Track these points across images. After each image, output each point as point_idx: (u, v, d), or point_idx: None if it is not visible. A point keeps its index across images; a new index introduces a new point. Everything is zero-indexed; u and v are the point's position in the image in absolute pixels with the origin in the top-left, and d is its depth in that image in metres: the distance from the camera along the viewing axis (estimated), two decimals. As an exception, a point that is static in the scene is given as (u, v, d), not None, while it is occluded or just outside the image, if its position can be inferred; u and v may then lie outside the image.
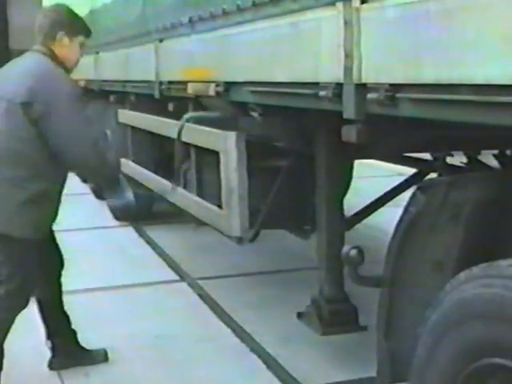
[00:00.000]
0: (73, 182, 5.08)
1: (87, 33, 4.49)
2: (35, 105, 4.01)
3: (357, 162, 6.17)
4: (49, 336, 4.64)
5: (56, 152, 4.10)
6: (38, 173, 4.12)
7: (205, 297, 6.00)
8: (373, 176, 9.01)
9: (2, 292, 4.18)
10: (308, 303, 4.55)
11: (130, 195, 4.88)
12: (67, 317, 4.64)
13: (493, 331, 2.24)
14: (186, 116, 5.13)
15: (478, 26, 2.26)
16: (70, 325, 4.65)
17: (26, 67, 4.25)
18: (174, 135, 5.47)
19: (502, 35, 2.17)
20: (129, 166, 7.73)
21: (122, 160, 7.90)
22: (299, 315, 4.63)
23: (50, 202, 4.26)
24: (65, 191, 4.35)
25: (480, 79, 2.27)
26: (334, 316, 4.40)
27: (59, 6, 4.57)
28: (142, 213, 8.41)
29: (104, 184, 4.34)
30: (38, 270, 4.29)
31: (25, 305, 4.21)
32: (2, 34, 18.56)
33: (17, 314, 4.22)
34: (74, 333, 4.67)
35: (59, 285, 4.60)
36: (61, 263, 4.60)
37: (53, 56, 4.26)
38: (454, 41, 2.38)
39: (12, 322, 4.22)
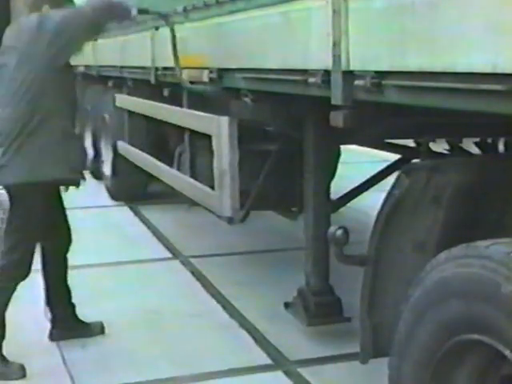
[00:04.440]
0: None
1: (71, 5, 4.55)
2: (42, 32, 4.11)
3: (343, 148, 6.17)
4: (50, 308, 4.64)
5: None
6: (54, 111, 4.16)
7: (196, 274, 5.99)
8: (358, 162, 9.00)
9: (5, 262, 4.20)
10: (295, 281, 4.55)
11: None
12: (69, 291, 4.66)
13: (471, 309, 2.24)
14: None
15: (461, 16, 2.26)
16: (70, 298, 4.67)
17: (18, 25, 4.36)
18: (170, 120, 5.47)
19: (484, 25, 2.16)
20: (125, 148, 7.72)
21: (119, 142, 7.89)
22: (286, 305, 4.63)
23: (72, 139, 4.33)
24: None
25: (462, 67, 2.27)
26: (320, 307, 4.41)
27: None
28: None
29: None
30: (38, 245, 4.34)
31: (25, 275, 4.22)
32: (4, 19, 18.41)
33: (17, 284, 4.23)
34: (73, 306, 4.68)
35: (65, 260, 4.61)
36: (69, 239, 4.61)
37: None
38: (437, 31, 2.37)
39: (13, 291, 4.23)
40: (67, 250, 4.61)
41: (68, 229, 4.60)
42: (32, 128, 4.10)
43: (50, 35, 4.11)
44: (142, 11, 4.68)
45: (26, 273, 4.22)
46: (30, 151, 4.11)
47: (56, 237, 4.53)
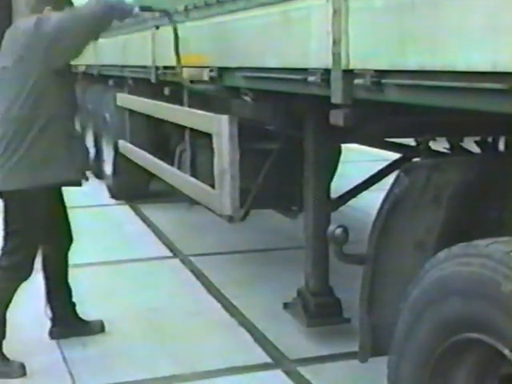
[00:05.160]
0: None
1: (72, 7, 4.52)
2: (39, 33, 4.09)
3: (343, 147, 6.16)
4: (50, 307, 4.64)
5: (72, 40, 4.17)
6: (56, 114, 4.16)
7: (196, 273, 5.99)
8: (358, 161, 8.99)
9: (7, 263, 4.19)
10: (295, 280, 4.54)
11: None
12: (70, 290, 4.66)
13: (470, 307, 2.23)
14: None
15: (461, 14, 2.25)
16: (71, 297, 4.67)
17: (17, 27, 4.34)
18: (171, 118, 5.46)
19: (484, 24, 2.15)
20: (126, 147, 7.71)
21: (120, 141, 7.88)
22: (286, 306, 4.63)
23: (74, 140, 4.33)
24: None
25: (462, 66, 2.26)
26: (319, 308, 4.40)
27: None
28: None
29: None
30: (40, 246, 4.33)
31: (27, 276, 4.21)
32: (5, 19, 18.41)
33: (19, 285, 4.23)
34: (73, 305, 4.68)
35: (66, 259, 4.61)
36: (70, 239, 4.61)
37: None
38: (437, 29, 2.37)
39: (14, 291, 4.23)
40: (68, 249, 4.61)
41: (69, 228, 4.60)
42: (36, 132, 4.10)
43: (48, 38, 4.09)
44: (144, 8, 4.66)
45: (28, 274, 4.22)
46: (36, 155, 4.11)
47: (57, 236, 4.53)
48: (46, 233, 4.33)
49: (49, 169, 4.13)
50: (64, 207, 4.58)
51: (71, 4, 4.55)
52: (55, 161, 4.15)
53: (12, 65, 4.16)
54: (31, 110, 4.10)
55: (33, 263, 4.25)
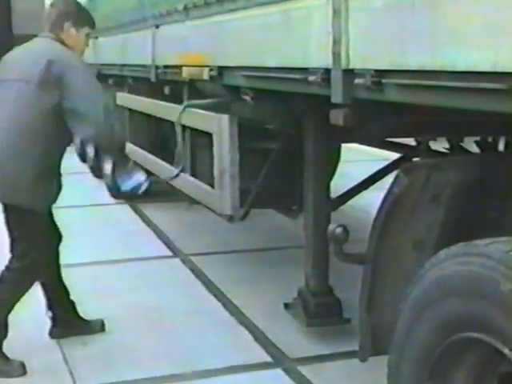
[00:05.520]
0: (71, 162, 5.06)
1: (92, 25, 4.53)
2: (52, 78, 4.03)
3: (343, 147, 6.16)
4: (50, 307, 4.64)
5: (71, 126, 4.11)
6: (49, 149, 4.15)
7: (196, 272, 5.99)
8: (358, 160, 8.99)
9: (17, 266, 4.21)
10: (295, 279, 4.54)
11: (140, 177, 4.83)
12: (66, 288, 4.65)
13: (470, 307, 2.24)
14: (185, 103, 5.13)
15: (461, 14, 2.25)
16: (68, 296, 4.66)
17: (40, 49, 4.28)
18: (170, 118, 5.44)
19: (484, 24, 2.15)
20: (126, 147, 7.70)
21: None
22: (286, 306, 4.63)
23: (56, 176, 4.30)
24: (64, 170, 4.38)
25: (462, 66, 2.26)
26: (319, 308, 4.41)
27: None
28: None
29: (115, 157, 4.40)
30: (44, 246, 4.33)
31: (37, 278, 4.26)
32: (5, 19, 18.38)
33: (29, 288, 4.26)
34: (72, 304, 4.68)
35: (57, 258, 4.60)
36: (58, 237, 4.60)
37: (63, 43, 4.28)
38: (437, 29, 2.36)
39: (23, 294, 4.25)
40: (58, 248, 4.60)
41: (56, 228, 4.59)
42: (27, 161, 4.09)
43: (60, 92, 4.05)
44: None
45: (37, 276, 4.28)
46: (21, 177, 4.10)
47: (47, 236, 4.45)
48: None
49: (24, 192, 4.13)
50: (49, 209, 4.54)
51: (91, 19, 4.54)
52: (34, 188, 4.13)
53: (19, 85, 4.12)
54: (26, 143, 4.09)
55: (42, 266, 4.29)
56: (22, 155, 4.09)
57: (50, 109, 4.06)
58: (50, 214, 4.53)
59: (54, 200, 4.36)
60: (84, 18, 4.46)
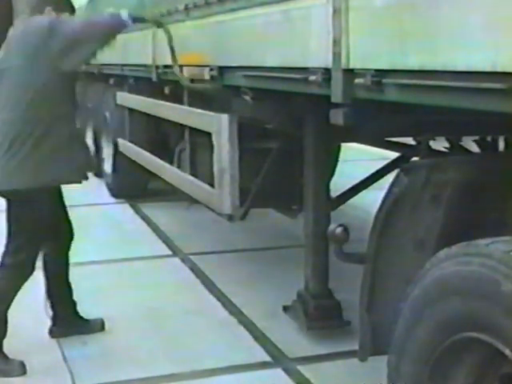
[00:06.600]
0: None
1: (72, 11, 4.57)
2: (42, 43, 4.10)
3: (343, 146, 6.17)
4: (52, 305, 4.64)
5: (63, 54, 4.14)
6: (55, 119, 4.18)
7: (196, 271, 5.99)
8: (358, 160, 8.99)
9: (10, 262, 4.22)
10: (294, 279, 4.54)
11: None
12: (70, 288, 4.66)
13: (470, 307, 2.23)
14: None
15: (461, 14, 2.25)
16: (72, 296, 4.67)
17: (25, 27, 4.33)
18: (171, 117, 5.44)
19: (484, 24, 2.15)
20: (126, 146, 7.70)
21: (120, 140, 7.87)
22: (285, 309, 4.63)
23: (76, 144, 4.38)
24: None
25: (462, 66, 2.26)
26: (319, 311, 4.40)
27: None
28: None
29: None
30: (42, 244, 4.35)
31: (30, 274, 4.24)
32: (6, 17, 18.36)
33: (22, 284, 4.25)
34: (74, 303, 4.68)
35: (67, 257, 4.61)
36: (71, 237, 4.61)
37: None
38: (437, 29, 2.36)
39: (17, 290, 4.25)
40: (69, 248, 4.61)
41: (70, 226, 4.61)
42: (39, 133, 4.11)
43: (64, 43, 4.11)
44: (137, 20, 4.71)
45: (30, 272, 4.25)
46: (39, 155, 4.13)
47: (59, 235, 4.54)
48: (50, 231, 4.34)
49: (51, 169, 4.16)
50: (64, 205, 4.58)
51: (71, 5, 4.57)
52: (58, 161, 4.17)
53: (19, 64, 4.15)
54: (37, 110, 4.11)
55: (35, 262, 4.28)
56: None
57: (51, 75, 4.10)
58: (65, 214, 4.57)
59: (86, 169, 4.45)
60: (65, 3, 4.50)
